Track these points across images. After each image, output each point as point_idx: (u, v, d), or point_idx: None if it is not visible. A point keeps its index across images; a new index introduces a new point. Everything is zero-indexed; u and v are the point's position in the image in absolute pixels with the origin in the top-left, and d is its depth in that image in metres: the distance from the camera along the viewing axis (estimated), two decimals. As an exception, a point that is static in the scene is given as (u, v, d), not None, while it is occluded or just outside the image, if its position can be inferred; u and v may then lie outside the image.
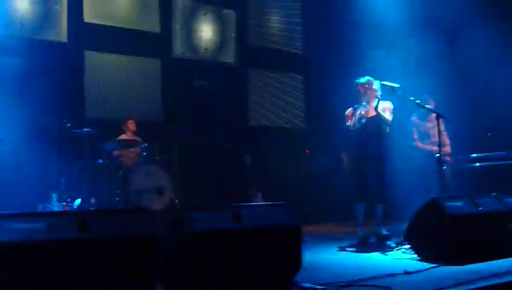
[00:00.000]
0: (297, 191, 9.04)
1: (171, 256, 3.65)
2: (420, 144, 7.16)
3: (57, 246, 3.20)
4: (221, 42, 10.42)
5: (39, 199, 7.17)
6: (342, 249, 5.70)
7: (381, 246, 5.71)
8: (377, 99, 6.09)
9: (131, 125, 8.34)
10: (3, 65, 7.75)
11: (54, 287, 3.11)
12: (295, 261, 3.86)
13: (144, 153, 7.89)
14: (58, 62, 8.41)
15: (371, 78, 6.23)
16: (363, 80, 6.23)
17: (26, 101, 7.54)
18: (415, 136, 7.36)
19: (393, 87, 6.01)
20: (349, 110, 6.26)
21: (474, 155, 8.54)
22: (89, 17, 8.91)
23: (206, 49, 10.23)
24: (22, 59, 8.08)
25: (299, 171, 9.51)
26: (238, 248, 3.66)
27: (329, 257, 5.22)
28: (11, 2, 8.15)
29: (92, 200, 7.24)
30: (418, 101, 6.14)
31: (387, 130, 6.20)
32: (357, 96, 6.31)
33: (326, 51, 10.27)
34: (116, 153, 8.00)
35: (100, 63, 9.01)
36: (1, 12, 8.01)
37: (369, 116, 6.12)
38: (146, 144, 7.98)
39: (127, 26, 9.31)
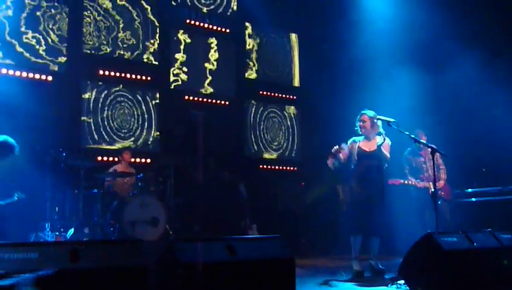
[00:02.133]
0: (293, 224, 9.00)
1: (163, 287, 3.61)
2: (400, 181, 7.11)
3: (49, 277, 3.17)
4: (219, 74, 10.51)
5: (32, 229, 7.12)
6: (337, 283, 5.64)
7: (376, 280, 5.65)
8: (383, 137, 6.10)
9: (126, 156, 8.36)
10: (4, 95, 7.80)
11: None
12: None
13: (139, 184, 7.87)
14: (56, 91, 8.48)
15: (375, 113, 6.23)
16: (370, 113, 6.23)
17: (22, 130, 7.54)
18: (406, 171, 7.39)
19: (388, 121, 6.05)
20: (350, 144, 6.26)
21: (469, 190, 8.56)
22: (86, 47, 9.01)
23: (204, 80, 10.32)
24: (18, 87, 8.13)
25: (294, 203, 9.48)
26: (231, 280, 3.63)
27: (323, 291, 5.17)
28: (14, 33, 8.27)
29: (86, 231, 7.18)
30: (412, 136, 6.17)
31: (385, 165, 6.22)
32: (352, 129, 6.33)
33: (322, 85, 10.37)
34: (110, 183, 7.97)
35: (98, 93, 9.07)
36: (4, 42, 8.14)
37: (370, 150, 6.14)
38: (141, 175, 7.98)
39: (125, 57, 9.40)
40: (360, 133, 6.27)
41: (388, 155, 6.13)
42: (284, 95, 11.36)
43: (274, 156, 11.05)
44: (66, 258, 3.26)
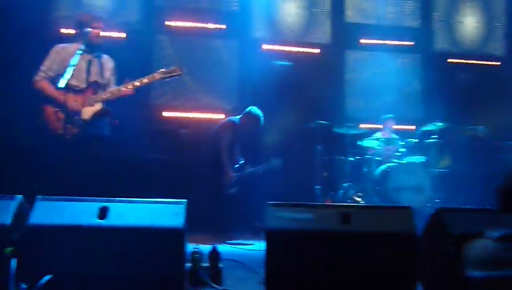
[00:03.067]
0: None
1: (432, 257, 3.60)
2: None
3: (323, 236, 3.45)
4: (486, 34, 9.73)
5: (305, 191, 7.76)
6: None
7: None
8: None
9: (390, 123, 8.40)
10: (276, 70, 8.53)
11: (315, 273, 3.36)
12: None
13: (404, 150, 7.87)
14: (321, 63, 8.93)
15: None
16: None
17: (292, 101, 8.19)
18: None
19: None
20: None
21: None
22: (349, 17, 9.25)
23: (470, 41, 9.68)
24: (290, 62, 8.81)
25: None
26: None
27: None
28: (280, 9, 8.95)
29: (352, 195, 7.53)
30: None
31: None
32: None
33: None
34: (375, 149, 8.13)
35: (360, 62, 9.27)
36: (270, 20, 8.87)
37: None
38: (405, 141, 7.96)
39: (386, 23, 9.37)
40: None
41: None
42: None
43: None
44: (338, 220, 3.49)
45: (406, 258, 3.41)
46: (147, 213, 3.42)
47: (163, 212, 3.43)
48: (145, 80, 4.64)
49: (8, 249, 3.15)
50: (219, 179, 6.36)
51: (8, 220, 3.26)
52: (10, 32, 6.85)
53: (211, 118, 8.20)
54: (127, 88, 4.59)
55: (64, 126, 4.44)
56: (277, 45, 8.86)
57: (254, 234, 6.16)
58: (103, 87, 4.76)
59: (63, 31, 7.65)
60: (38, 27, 7.36)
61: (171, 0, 8.51)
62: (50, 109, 4.51)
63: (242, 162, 6.73)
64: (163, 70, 4.70)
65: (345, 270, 3.38)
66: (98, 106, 4.57)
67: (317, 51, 9.00)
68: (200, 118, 8.25)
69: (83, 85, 4.62)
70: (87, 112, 4.53)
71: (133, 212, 3.41)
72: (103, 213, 3.35)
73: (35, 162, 4.85)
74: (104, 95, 4.60)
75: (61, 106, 4.43)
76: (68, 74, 4.39)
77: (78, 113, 4.47)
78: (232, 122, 6.68)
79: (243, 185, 6.55)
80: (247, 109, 6.73)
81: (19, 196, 3.43)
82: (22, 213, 3.39)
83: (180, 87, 8.27)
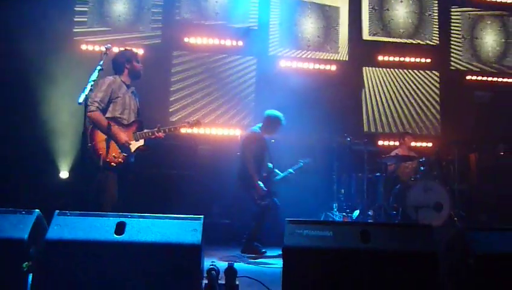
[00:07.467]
0: None
1: (452, 276, 3.53)
2: None
3: (342, 254, 3.39)
4: (503, 51, 9.67)
5: (322, 208, 7.69)
6: None
7: None
8: None
9: (408, 140, 8.33)
10: (291, 86, 8.54)
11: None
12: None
13: (421, 168, 7.78)
14: (339, 80, 8.92)
15: None
16: None
17: (311, 118, 8.14)
18: None
19: None
20: None
21: None
22: (367, 35, 9.26)
23: (492, 60, 9.60)
24: (305, 78, 8.82)
25: None
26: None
27: None
28: (297, 27, 8.98)
29: (370, 213, 7.43)
30: None
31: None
32: None
33: None
34: (392, 167, 8.05)
35: (377, 79, 9.24)
36: (287, 37, 8.89)
37: None
38: (423, 159, 7.87)
39: (404, 41, 9.37)
40: None
41: None
42: None
43: None
44: (357, 238, 3.44)
45: (426, 277, 3.34)
46: (165, 229, 3.38)
47: (180, 228, 3.40)
48: (177, 129, 5.15)
49: (25, 264, 3.15)
50: (250, 193, 6.32)
51: (25, 234, 3.27)
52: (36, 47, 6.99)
53: (228, 134, 8.29)
54: (161, 134, 5.06)
55: (113, 155, 4.73)
56: (294, 61, 8.86)
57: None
58: (140, 121, 5.08)
59: (83, 48, 7.74)
60: (63, 43, 7.48)
61: (190, 17, 8.57)
62: (100, 136, 4.71)
63: (271, 167, 6.60)
64: (188, 122, 5.33)
65: (364, 288, 3.32)
66: (141, 142, 4.97)
67: (334, 68, 8.99)
68: (217, 134, 8.27)
69: (130, 120, 4.95)
70: (134, 146, 4.91)
71: (150, 228, 3.38)
72: (120, 229, 3.34)
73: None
74: (147, 134, 4.99)
75: (113, 137, 4.73)
76: (118, 107, 4.83)
77: (127, 146, 4.82)
78: (254, 133, 6.58)
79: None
80: (265, 114, 6.64)
81: (36, 211, 3.44)
82: (40, 228, 3.39)
83: (197, 103, 8.32)
